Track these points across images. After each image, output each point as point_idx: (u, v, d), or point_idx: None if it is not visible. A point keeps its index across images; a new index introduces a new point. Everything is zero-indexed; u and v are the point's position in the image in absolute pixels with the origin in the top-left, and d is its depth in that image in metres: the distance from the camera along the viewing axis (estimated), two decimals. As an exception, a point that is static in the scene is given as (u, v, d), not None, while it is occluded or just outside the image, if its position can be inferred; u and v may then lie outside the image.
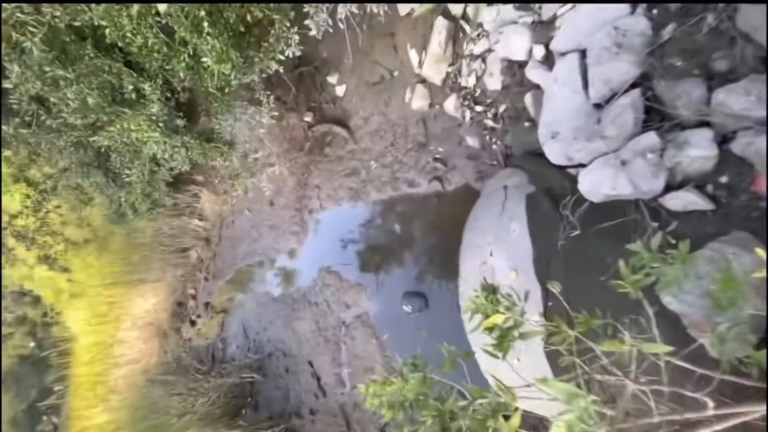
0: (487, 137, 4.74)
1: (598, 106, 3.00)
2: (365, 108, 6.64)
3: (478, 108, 4.64)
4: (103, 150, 6.82)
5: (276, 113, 5.42)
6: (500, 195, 3.64)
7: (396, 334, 6.08)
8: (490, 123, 4.58)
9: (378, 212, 6.63)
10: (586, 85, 3.05)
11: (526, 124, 4.03)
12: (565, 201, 2.94)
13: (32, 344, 18.74)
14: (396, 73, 5.91)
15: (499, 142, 4.63)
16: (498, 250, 3.41)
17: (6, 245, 12.72)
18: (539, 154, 3.89)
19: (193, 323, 11.79)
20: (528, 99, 3.88)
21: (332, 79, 7.09)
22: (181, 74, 4.78)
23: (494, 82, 4.40)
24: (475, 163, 5.09)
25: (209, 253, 11.44)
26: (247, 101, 5.57)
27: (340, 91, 7.02)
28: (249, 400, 8.50)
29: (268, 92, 5.25)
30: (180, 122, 5.36)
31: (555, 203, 3.16)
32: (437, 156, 5.62)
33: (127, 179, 6.17)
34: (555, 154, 3.29)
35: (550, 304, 2.99)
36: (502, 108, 4.41)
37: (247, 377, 8.48)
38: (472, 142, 4.85)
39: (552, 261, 3.00)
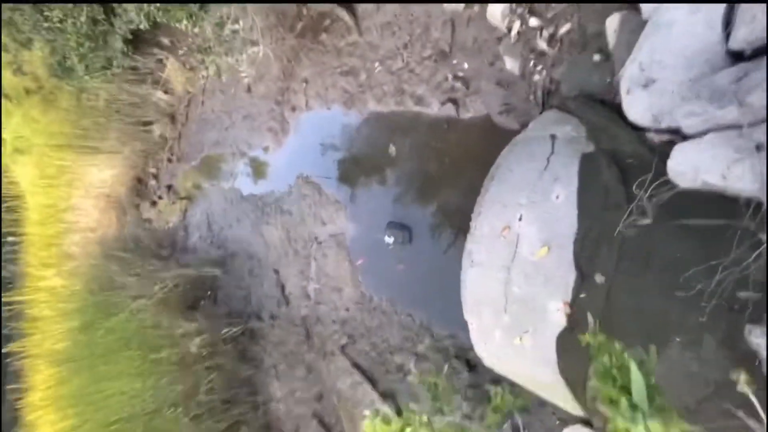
0: (532, 63, 3.67)
1: (737, 57, 2.07)
2: (380, -9, 5.13)
3: (533, 22, 3.48)
4: None
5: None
6: (545, 146, 2.78)
7: (371, 261, 5.54)
8: (542, 45, 3.48)
9: (373, 126, 5.56)
10: (728, 20, 2.06)
11: (596, 57, 3.01)
12: (641, 178, 2.17)
13: (-21, 191, 17.14)
14: (430, -49, 4.41)
15: (544, 73, 3.60)
16: (530, 216, 2.66)
17: None
18: (603, 102, 2.98)
19: (153, 203, 10.78)
20: (612, 22, 2.80)
21: (344, -60, 5.35)
22: None
23: (564, -11, 3.21)
24: (504, 92, 4.06)
25: (174, 133, 10.00)
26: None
27: (351, -39, 5.36)
28: (208, 293, 8.07)
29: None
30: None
31: (622, 175, 2.39)
32: (459, 73, 4.49)
33: (53, 21, 4.54)
34: (639, 108, 2.41)
35: (582, 295, 2.40)
36: (564, 28, 3.29)
37: (208, 271, 7.96)
38: (510, 64, 3.76)
39: (601, 246, 2.33)
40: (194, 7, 3.75)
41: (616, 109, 2.77)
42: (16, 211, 13.52)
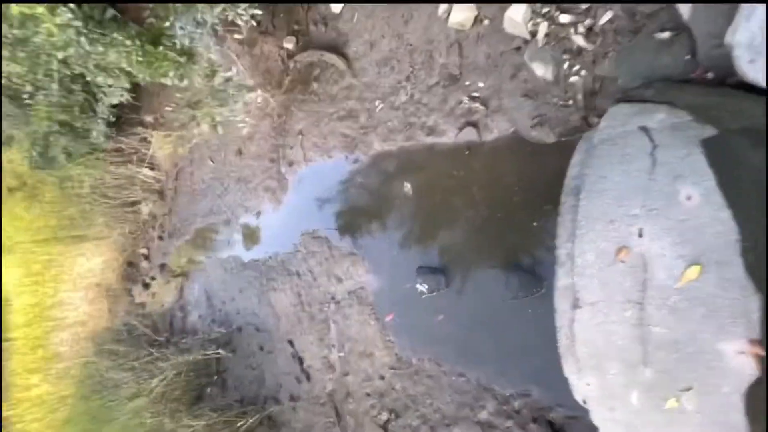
0: (567, 64, 3.10)
1: None
2: (372, 28, 4.63)
3: (564, 18, 2.94)
4: None
5: (257, 11, 3.36)
6: (640, 141, 2.07)
7: (402, 316, 4.57)
8: (578, 42, 2.92)
9: (382, 167, 4.84)
10: None
11: (662, 35, 2.43)
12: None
13: (-38, 300, 15.54)
14: (426, -26, 3.98)
15: (584, 72, 3.01)
16: (654, 229, 1.87)
17: None
18: (688, 81, 2.34)
19: (146, 286, 9.58)
20: (683, -10, 2.26)
21: (326, -12, 4.95)
22: None
23: (598, -24, 2.70)
24: (534, 102, 3.45)
25: (163, 209, 9.09)
26: (211, -5, 3.42)
27: (336, 6, 4.92)
28: (215, 378, 6.78)
29: (244, -21, 3.16)
30: (110, 12, 3.13)
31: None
32: (474, 94, 3.90)
33: (23, 98, 3.72)
34: None
35: (779, 329, 1.58)
36: (605, 17, 2.75)
37: (212, 353, 6.73)
38: (540, 71, 3.18)
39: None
40: (181, 58, 3.07)
41: (716, 84, 2.13)
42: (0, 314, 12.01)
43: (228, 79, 3.42)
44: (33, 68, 3.10)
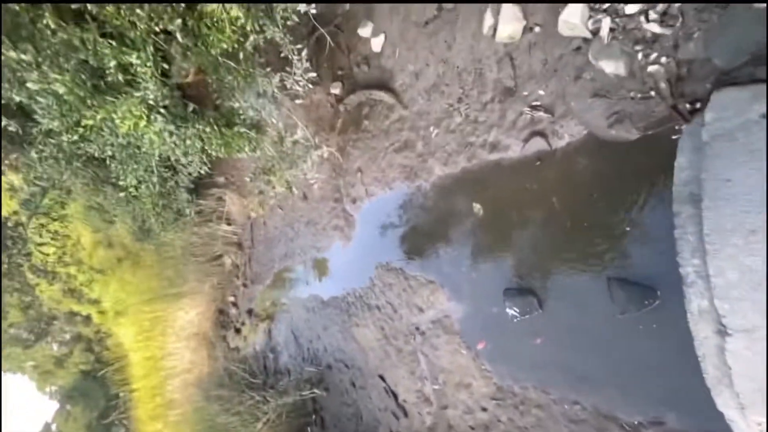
0: (641, 55, 2.80)
1: None
2: (415, 59, 4.64)
3: (630, 8, 2.68)
4: (99, 158, 5.01)
5: (313, 74, 3.54)
6: (765, 132, 1.77)
7: (495, 342, 4.32)
8: (652, 29, 2.63)
9: (446, 191, 4.73)
10: None
11: (763, 3, 2.10)
12: None
13: (92, 358, 17.84)
14: (463, -4, 3.91)
15: (665, 59, 2.69)
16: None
17: (28, 279, 11.31)
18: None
19: (237, 331, 10.26)
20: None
21: (364, 31, 5.07)
22: (178, 35, 2.92)
23: (664, -44, 2.43)
24: (608, 101, 3.15)
25: (243, 258, 9.76)
26: (269, 67, 3.67)
27: (376, 45, 5.02)
28: (313, 417, 6.93)
29: (298, 47, 3.34)
30: (190, 106, 3.50)
31: None
32: (535, 103, 3.69)
33: (130, 192, 4.29)
34: None
35: None
36: (680, -3, 2.45)
37: (308, 393, 6.91)
38: (611, 67, 2.90)
39: None
40: (252, 132, 3.30)
41: None
42: (123, 371, 13.59)
43: (295, 142, 3.60)
44: (136, 167, 3.53)
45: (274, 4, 2.89)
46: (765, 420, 1.62)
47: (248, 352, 9.69)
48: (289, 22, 3.11)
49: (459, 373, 4.59)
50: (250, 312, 9.86)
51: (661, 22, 2.58)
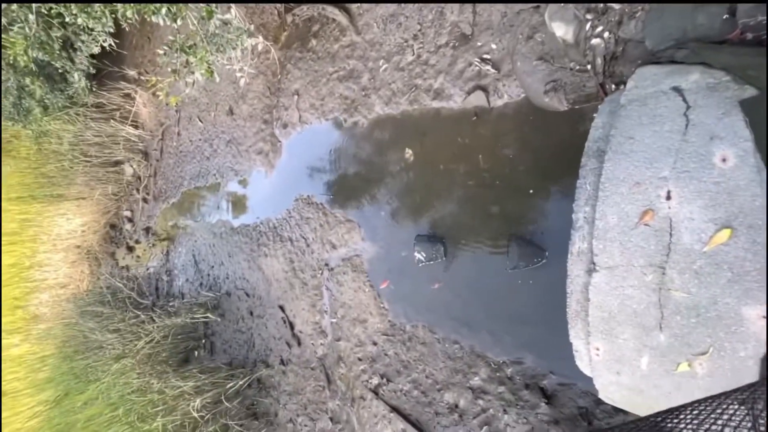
0: (589, 24, 2.92)
1: None
2: (379, -20, 4.31)
3: (592, -28, 2.74)
4: None
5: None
6: (673, 102, 1.95)
7: (398, 283, 4.50)
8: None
9: (383, 132, 4.64)
10: None
11: (699, -8, 2.27)
12: None
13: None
14: None
15: (606, 34, 2.84)
16: (684, 192, 1.78)
17: None
18: (724, 42, 2.21)
19: (130, 249, 9.29)
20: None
21: (330, -68, 4.53)
22: None
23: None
24: (549, 67, 3.28)
25: (149, 170, 8.69)
26: None
27: (340, -46, 4.54)
28: (203, 341, 6.68)
29: None
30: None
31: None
32: (486, 56, 3.69)
33: (4, 30, 3.26)
34: None
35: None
36: (635, -28, 2.56)
37: (200, 317, 6.60)
38: (561, 31, 2.99)
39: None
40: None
41: (755, 44, 2.00)
42: (-25, 277, 11.56)
43: (226, 23, 3.09)
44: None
45: None
46: (602, 346, 1.88)
47: (140, 272, 8.87)
48: None
49: (358, 309, 4.71)
50: (147, 230, 8.95)
51: (614, -5, 2.68)
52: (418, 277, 4.24)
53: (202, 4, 2.85)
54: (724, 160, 1.71)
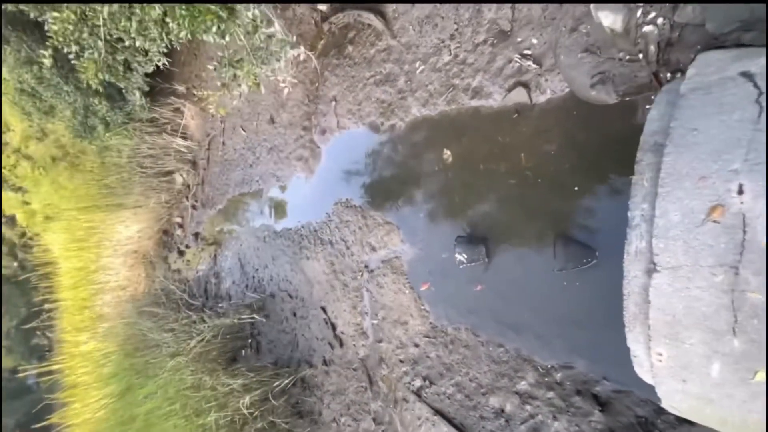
0: (640, 12, 2.77)
1: None
2: (414, -17, 4.33)
3: (643, -44, 2.60)
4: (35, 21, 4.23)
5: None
6: (742, 88, 1.80)
7: (438, 285, 4.47)
8: (657, -17, 2.58)
9: (420, 133, 4.64)
10: None
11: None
12: None
13: (15, 264, 16.60)
14: None
15: (661, 20, 2.68)
16: (758, 186, 1.64)
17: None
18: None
19: (181, 253, 9.88)
20: None
21: (364, -59, 4.61)
22: None
23: None
24: (596, 59, 3.13)
25: (197, 179, 9.21)
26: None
27: (374, -40, 4.61)
28: (249, 341, 6.97)
29: None
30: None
31: None
32: (526, 51, 3.60)
33: (76, 56, 3.60)
34: None
35: None
36: (693, -48, 2.39)
37: (247, 318, 6.90)
38: (609, 20, 2.85)
39: None
40: (221, 12, 2.91)
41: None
42: (50, 278, 12.77)
43: (270, 36, 3.25)
44: (79, 26, 3.01)
45: None
46: (666, 351, 1.77)
47: (190, 275, 9.41)
48: None
49: (399, 311, 4.72)
50: (196, 235, 9.47)
51: (668, -22, 2.52)
52: (459, 279, 4.19)
53: (247, 20, 3.01)
54: (806, 149, 1.56)
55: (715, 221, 1.71)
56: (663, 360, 1.93)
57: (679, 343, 1.85)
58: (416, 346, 4.51)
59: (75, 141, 9.32)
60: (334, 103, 5.56)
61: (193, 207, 9.63)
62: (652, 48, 2.74)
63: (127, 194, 10.24)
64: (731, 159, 1.71)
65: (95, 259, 11.28)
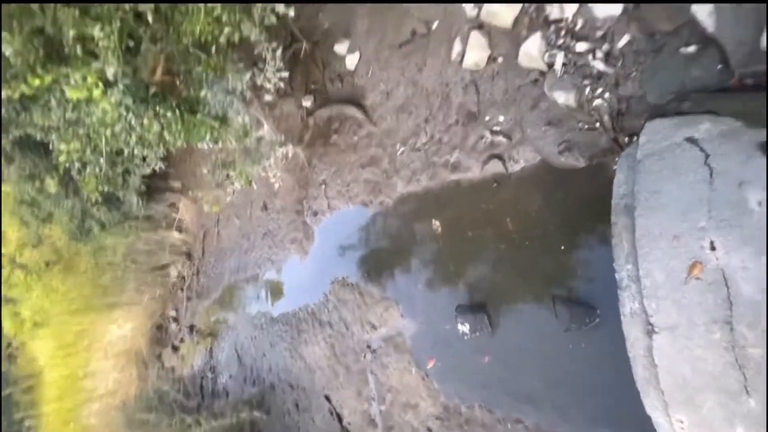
0: (588, 89, 3.11)
1: None
2: (387, 79, 4.84)
3: (581, 47, 3.00)
4: (40, 142, 4.56)
5: (285, 73, 3.56)
6: (691, 153, 1.99)
7: (445, 360, 4.29)
8: (598, 66, 2.95)
9: (408, 209, 4.82)
10: None
11: (689, 49, 2.42)
12: None
13: (-4, 379, 15.57)
14: (436, 24, 4.16)
15: (607, 95, 3.01)
16: (728, 240, 1.73)
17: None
18: (725, 90, 2.30)
19: (175, 349, 9.44)
20: (704, 6, 2.27)
21: (340, 47, 5.24)
22: (149, 17, 2.85)
23: (610, 5, 2.77)
24: (559, 130, 3.43)
25: (192, 270, 9.19)
26: (241, 63, 3.66)
27: (350, 62, 5.19)
28: (250, 443, 6.40)
29: (273, 45, 3.38)
30: (152, 89, 3.34)
31: None
32: (495, 128, 3.93)
33: (69, 169, 3.81)
34: None
35: None
36: (622, 41, 2.79)
37: (245, 416, 6.40)
38: (563, 98, 3.19)
39: None
40: (214, 123, 3.22)
41: (758, 89, 2.07)
42: (33, 392, 11.96)
43: (260, 138, 3.54)
44: (83, 146, 3.27)
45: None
46: (686, 417, 1.70)
47: (185, 372, 8.90)
48: (266, 21, 3.15)
49: (407, 393, 4.46)
50: (191, 328, 9.17)
51: (606, 61, 2.89)
52: (465, 351, 4.04)
53: (239, 126, 3.30)
54: (760, 203, 1.68)
55: (697, 278, 1.76)
56: (685, 427, 1.84)
57: (697, 408, 1.78)
58: (429, 430, 4.18)
59: (70, 243, 9.38)
60: (324, 186, 5.83)
61: (188, 298, 9.45)
62: (606, 118, 3.03)
63: (120, 292, 10.08)
64: (697, 217, 1.82)
65: (84, 364, 10.70)
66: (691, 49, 2.38)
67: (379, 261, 5.08)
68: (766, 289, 1.60)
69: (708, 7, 2.21)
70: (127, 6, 2.84)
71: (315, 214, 6.03)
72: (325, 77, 5.69)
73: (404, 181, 4.75)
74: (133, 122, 2.88)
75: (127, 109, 2.78)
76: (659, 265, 1.85)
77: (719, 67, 2.23)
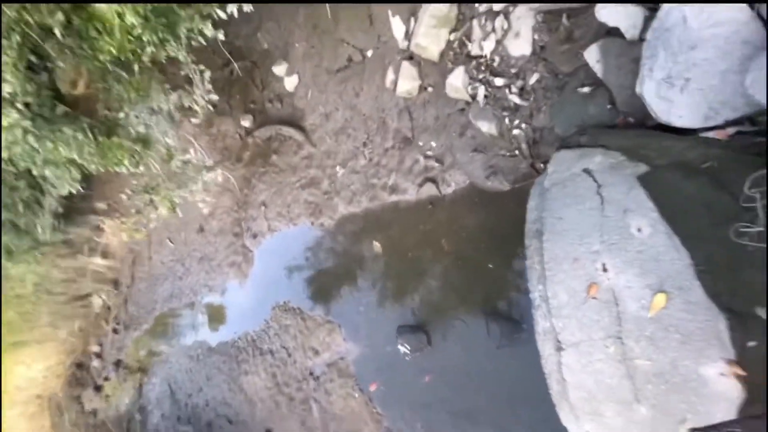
0: (507, 120, 3.38)
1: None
2: (326, 102, 4.89)
3: (498, 81, 3.27)
4: None
5: (214, 96, 3.45)
6: (586, 182, 2.23)
7: (388, 383, 4.30)
8: (514, 100, 3.23)
9: (349, 229, 4.84)
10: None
11: (584, 90, 2.75)
12: (754, 174, 1.64)
13: None
14: (370, 53, 4.31)
15: (524, 125, 3.29)
16: (616, 262, 1.95)
17: None
18: (613, 127, 2.61)
19: (98, 389, 8.49)
20: (592, 53, 2.60)
21: (279, 69, 5.22)
22: (57, 32, 2.63)
23: (521, 45, 3.06)
24: (485, 156, 3.68)
25: (119, 299, 8.41)
26: (168, 84, 3.50)
27: (289, 84, 5.19)
28: (183, 490, 5.87)
29: (201, 68, 3.28)
30: (60, 109, 3.07)
31: (710, 182, 1.86)
32: (428, 153, 4.11)
33: None
34: (684, 112, 2.03)
35: (751, 343, 1.62)
36: (533, 78, 3.09)
37: (178, 460, 5.87)
38: (486, 127, 3.44)
39: (742, 270, 1.65)
40: (136, 146, 3.03)
41: (638, 127, 2.39)
42: None
43: (186, 162, 3.38)
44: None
45: (179, 21, 2.85)
46: (593, 428, 1.85)
47: (109, 415, 8.03)
48: (193, 43, 3.07)
49: (351, 420, 4.39)
50: (118, 363, 8.34)
51: (520, 96, 3.18)
52: (407, 372, 4.08)
53: (163, 149, 3.14)
54: (639, 230, 1.93)
55: (594, 297, 1.95)
56: (592, 437, 2.00)
57: (600, 418, 1.94)
58: (374, 457, 4.13)
59: (-33, 275, 8.18)
60: (263, 207, 5.68)
61: (115, 331, 8.60)
62: (524, 146, 3.31)
63: (30, 328, 8.92)
64: (591, 242, 2.03)
65: (-18, 416, 9.23)
66: (586, 89, 2.70)
67: (321, 283, 5.01)
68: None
69: (595, 55, 2.53)
70: (30, 19, 2.63)
71: (255, 236, 5.84)
72: (265, 98, 5.63)
73: (345, 202, 4.78)
74: (34, 144, 2.62)
75: (25, 131, 2.53)
76: (563, 287, 2.03)
77: (609, 106, 2.55)
